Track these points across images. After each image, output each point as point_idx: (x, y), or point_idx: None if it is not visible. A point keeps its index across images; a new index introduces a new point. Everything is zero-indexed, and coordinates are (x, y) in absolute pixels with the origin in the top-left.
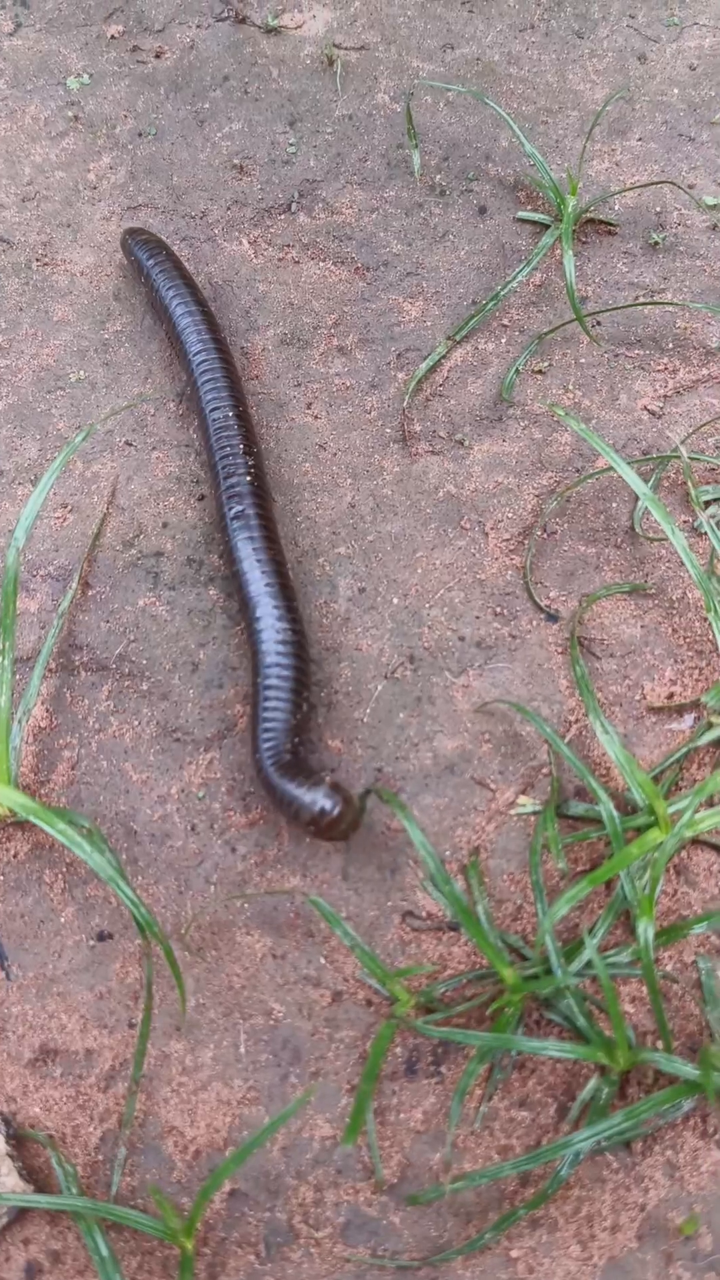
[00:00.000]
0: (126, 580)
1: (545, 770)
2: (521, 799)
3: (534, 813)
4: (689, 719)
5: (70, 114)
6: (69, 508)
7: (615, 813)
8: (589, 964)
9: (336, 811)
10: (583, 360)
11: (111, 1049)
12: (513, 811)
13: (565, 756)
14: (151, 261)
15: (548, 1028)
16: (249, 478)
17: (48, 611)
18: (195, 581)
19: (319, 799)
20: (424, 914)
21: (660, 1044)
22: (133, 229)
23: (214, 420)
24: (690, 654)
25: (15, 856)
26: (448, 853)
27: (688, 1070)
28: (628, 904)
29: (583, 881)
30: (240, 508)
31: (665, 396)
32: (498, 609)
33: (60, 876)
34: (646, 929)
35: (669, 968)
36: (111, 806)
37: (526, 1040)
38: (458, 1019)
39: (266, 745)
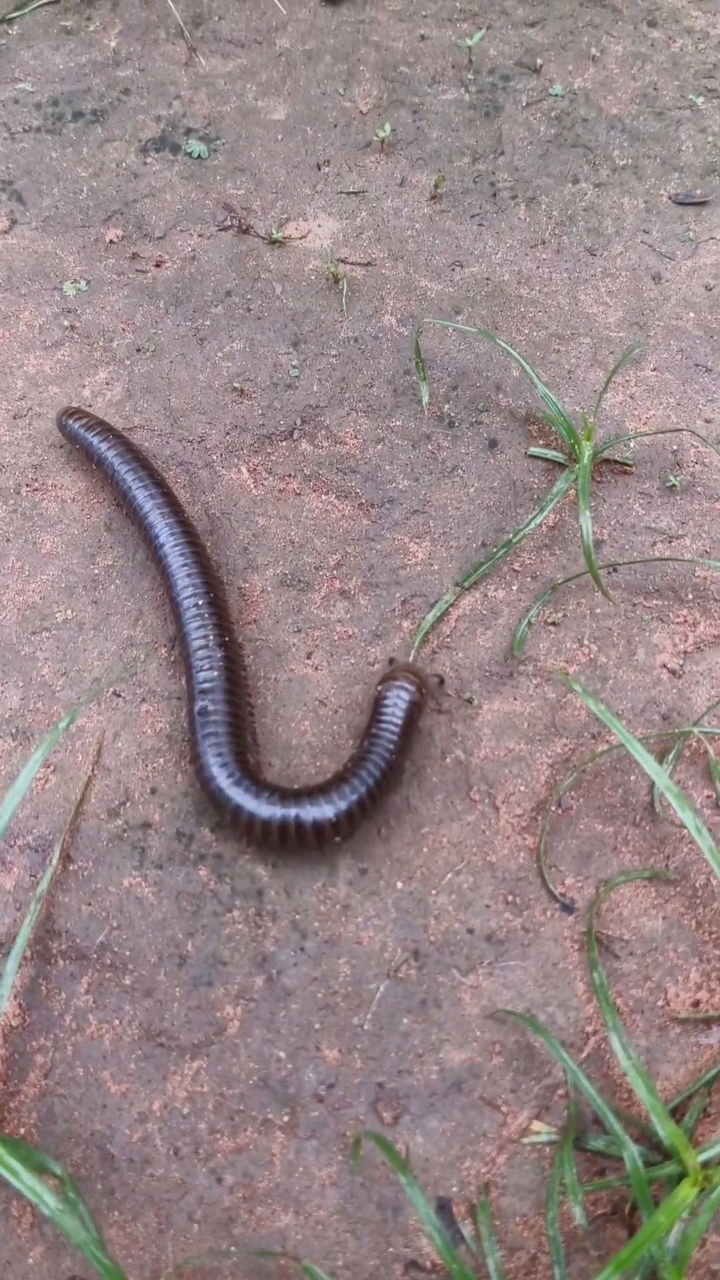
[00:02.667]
0: (111, 855)
1: (561, 1091)
2: (536, 1125)
3: (549, 1143)
4: (717, 1032)
5: (66, 323)
6: (51, 766)
7: (639, 1159)
8: None
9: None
10: (598, 610)
11: None
12: (526, 1140)
13: (583, 1089)
14: (102, 443)
15: None
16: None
17: (24, 889)
18: (184, 859)
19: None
20: (429, 1264)
21: None
22: (71, 409)
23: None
24: (717, 951)
25: None
26: (455, 1188)
27: None
28: (656, 1264)
29: (608, 1267)
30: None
31: (685, 652)
32: (509, 896)
33: (28, 1210)
34: None
35: None
36: (87, 1125)
37: None
38: None
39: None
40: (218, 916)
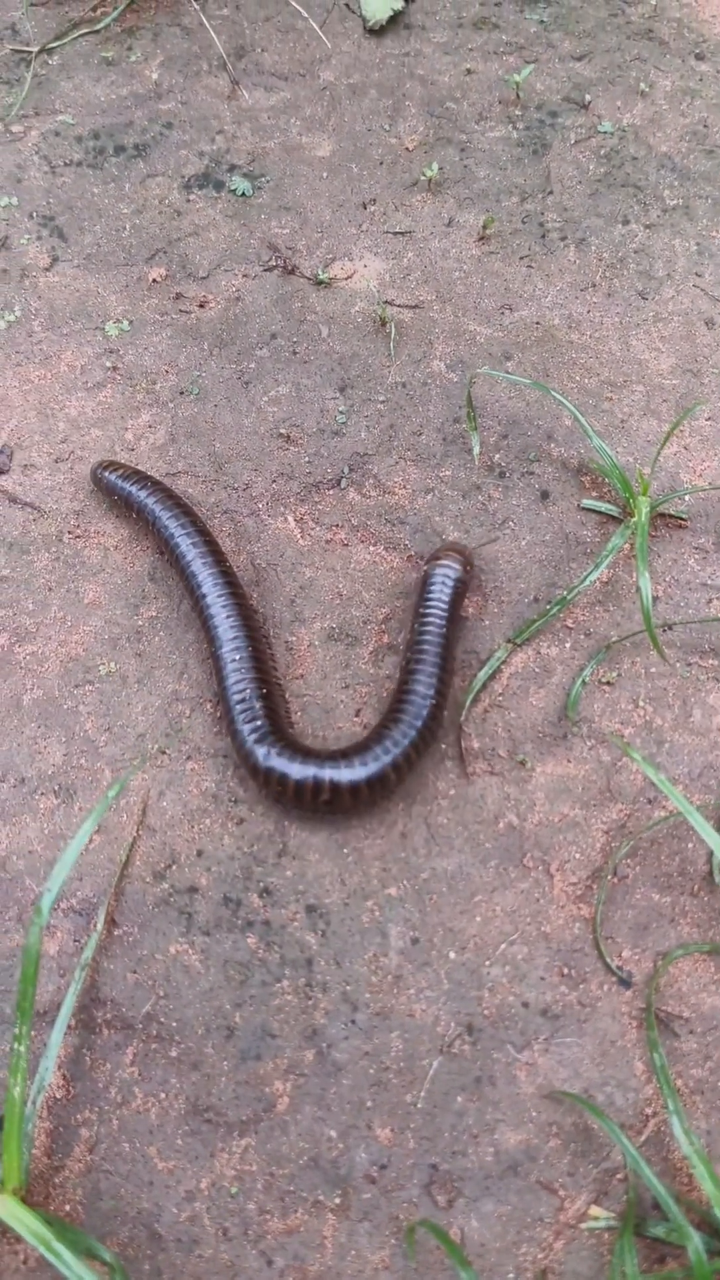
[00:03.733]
0: (157, 921)
1: (620, 1175)
2: (594, 1210)
3: (609, 1229)
4: None
5: (109, 363)
6: (96, 827)
7: (702, 1248)
8: None
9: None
10: (653, 670)
11: None
12: (584, 1226)
13: (643, 1174)
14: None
15: None
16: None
17: (69, 955)
18: (232, 926)
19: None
20: None
21: None
22: (105, 462)
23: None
24: None
25: (25, 1262)
26: (511, 1275)
27: None
28: None
29: None
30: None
31: None
32: (565, 969)
33: None
34: None
35: None
36: (134, 1203)
37: None
38: None
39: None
40: (266, 987)
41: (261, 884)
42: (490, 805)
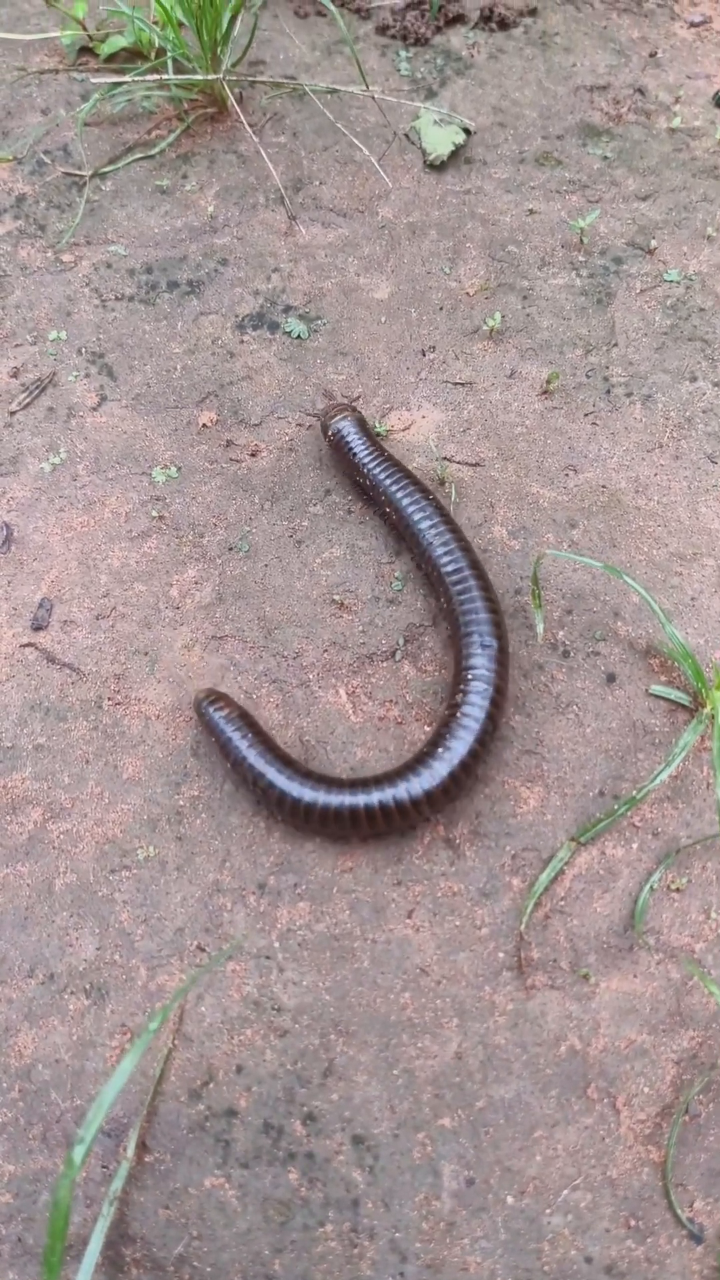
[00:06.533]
0: (192, 1148)
1: None
2: None
3: None
4: None
5: (155, 512)
6: (127, 1032)
7: None
8: None
9: None
10: None
11: None
12: None
13: None
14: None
15: None
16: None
17: (96, 1183)
18: (272, 1158)
19: None
20: None
21: None
22: (210, 692)
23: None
24: None
25: None
26: None
27: None
28: None
29: None
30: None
31: None
32: (631, 1219)
33: None
34: None
35: None
36: None
37: None
38: None
39: None
40: (309, 1231)
41: (305, 1108)
42: (551, 1025)
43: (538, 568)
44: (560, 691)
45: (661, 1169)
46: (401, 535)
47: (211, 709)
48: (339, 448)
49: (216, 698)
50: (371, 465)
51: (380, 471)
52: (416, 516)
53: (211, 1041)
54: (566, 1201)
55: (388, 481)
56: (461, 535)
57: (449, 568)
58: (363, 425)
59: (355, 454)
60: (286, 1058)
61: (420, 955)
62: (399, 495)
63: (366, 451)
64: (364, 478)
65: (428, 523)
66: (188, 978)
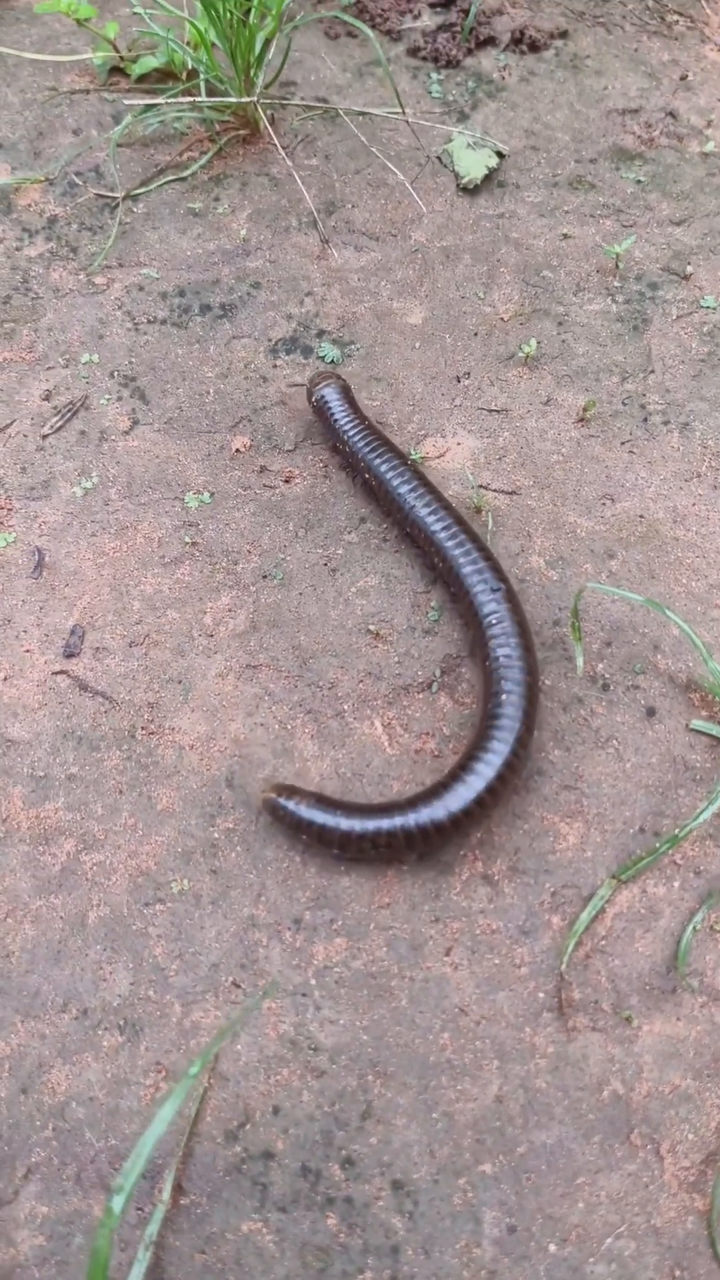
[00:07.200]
0: (228, 1191)
1: None
2: None
3: None
4: None
5: (188, 538)
6: (162, 1070)
7: None
8: None
9: None
10: None
11: None
12: None
13: None
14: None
15: None
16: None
17: (131, 1226)
18: (310, 1202)
19: None
20: None
21: None
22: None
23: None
24: None
25: None
26: None
27: None
28: None
29: None
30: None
31: None
32: (676, 1269)
33: None
34: None
35: None
36: None
37: None
38: None
39: None
40: (348, 1278)
41: (344, 1152)
42: (593, 1068)
43: (579, 601)
44: (600, 726)
45: (707, 1218)
46: (379, 499)
47: (288, 803)
48: (321, 414)
49: (287, 791)
50: (350, 432)
51: (358, 438)
52: (395, 482)
53: (248, 1081)
54: (610, 1250)
55: (365, 448)
56: (441, 496)
57: (435, 527)
58: (347, 393)
59: (336, 420)
60: (324, 1099)
61: (459, 994)
62: (375, 461)
63: (347, 418)
64: (343, 445)
65: (406, 487)
66: (224, 1017)
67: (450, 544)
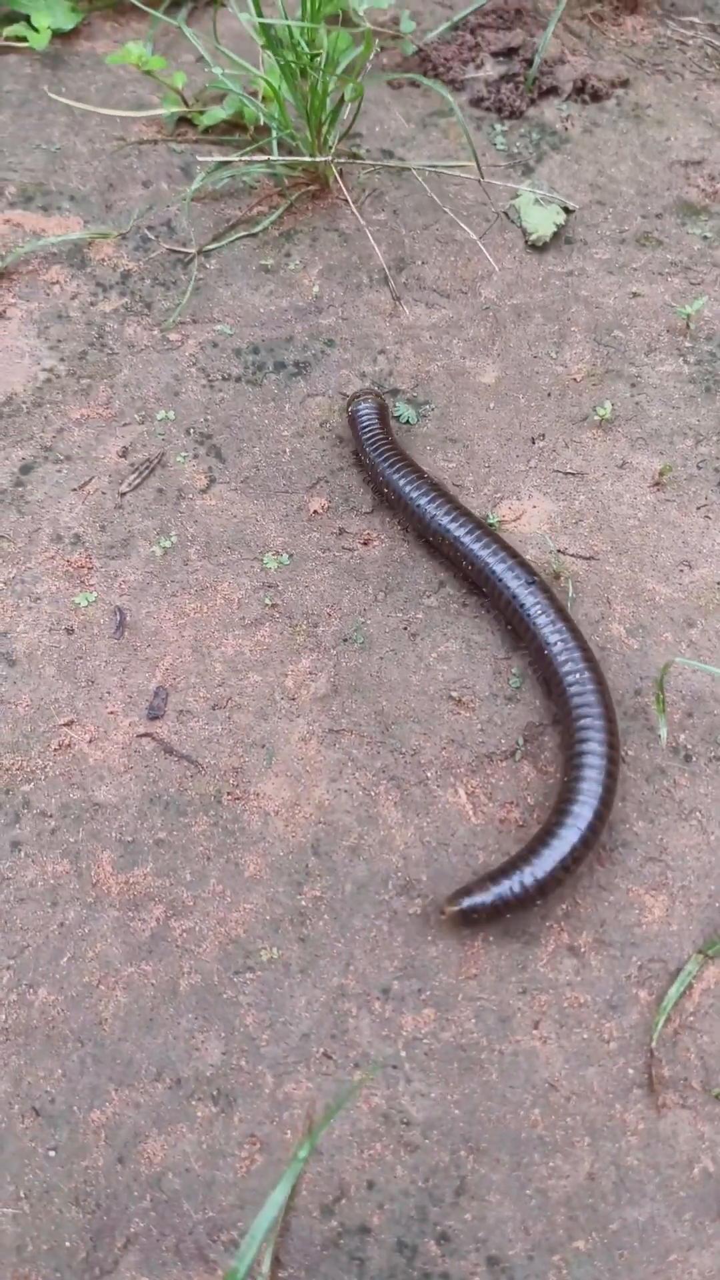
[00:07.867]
0: (326, 1265)
1: None
2: None
3: None
4: None
5: (267, 600)
6: (256, 1142)
7: None
8: None
9: None
10: None
11: None
12: None
13: None
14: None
15: None
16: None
17: None
18: (408, 1278)
19: None
20: None
21: None
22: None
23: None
24: None
25: None
26: None
27: None
28: None
29: None
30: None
31: None
32: None
33: None
34: None
35: None
36: None
37: None
38: None
39: None
40: None
41: (439, 1228)
42: (683, 1146)
43: (665, 675)
44: (683, 798)
45: None
46: (397, 510)
47: (474, 900)
48: (353, 427)
49: (463, 894)
50: (371, 448)
51: (378, 455)
52: (414, 495)
53: (341, 1155)
54: None
55: (385, 464)
56: (457, 501)
57: (457, 532)
58: (382, 411)
59: (362, 435)
60: (418, 1174)
61: (548, 1069)
62: (395, 477)
63: (371, 435)
64: (366, 459)
65: (425, 499)
66: (316, 1089)
67: (472, 544)
